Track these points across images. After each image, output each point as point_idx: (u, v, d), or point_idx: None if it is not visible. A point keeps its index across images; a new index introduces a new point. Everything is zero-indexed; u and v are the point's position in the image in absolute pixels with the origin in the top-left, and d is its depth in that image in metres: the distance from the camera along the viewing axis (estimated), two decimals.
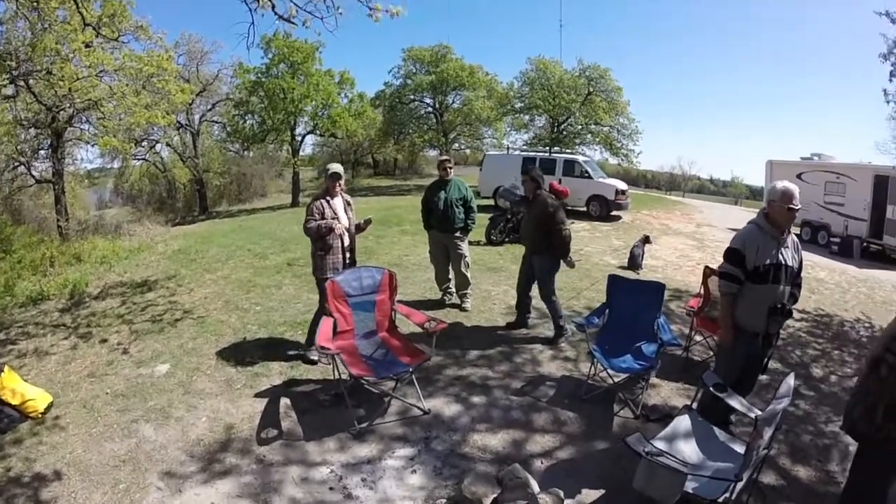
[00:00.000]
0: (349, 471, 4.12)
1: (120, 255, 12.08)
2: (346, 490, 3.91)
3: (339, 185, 5.86)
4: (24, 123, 14.93)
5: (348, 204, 6.03)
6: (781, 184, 4.10)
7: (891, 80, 12.14)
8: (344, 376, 4.86)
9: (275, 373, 5.71)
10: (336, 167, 6.00)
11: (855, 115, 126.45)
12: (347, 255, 5.91)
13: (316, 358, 5.89)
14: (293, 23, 6.35)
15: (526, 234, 6.76)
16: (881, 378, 2.99)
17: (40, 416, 4.98)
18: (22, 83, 9.53)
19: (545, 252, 6.44)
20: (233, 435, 4.62)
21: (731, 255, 4.15)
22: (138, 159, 27.54)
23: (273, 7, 6.26)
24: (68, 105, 12.91)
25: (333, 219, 5.71)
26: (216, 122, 31.60)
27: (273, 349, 6.29)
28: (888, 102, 12.63)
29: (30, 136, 16.89)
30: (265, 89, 25.75)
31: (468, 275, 7.55)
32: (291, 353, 6.13)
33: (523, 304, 6.94)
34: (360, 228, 6.10)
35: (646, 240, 10.85)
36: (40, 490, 4.04)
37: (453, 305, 7.68)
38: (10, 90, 10.88)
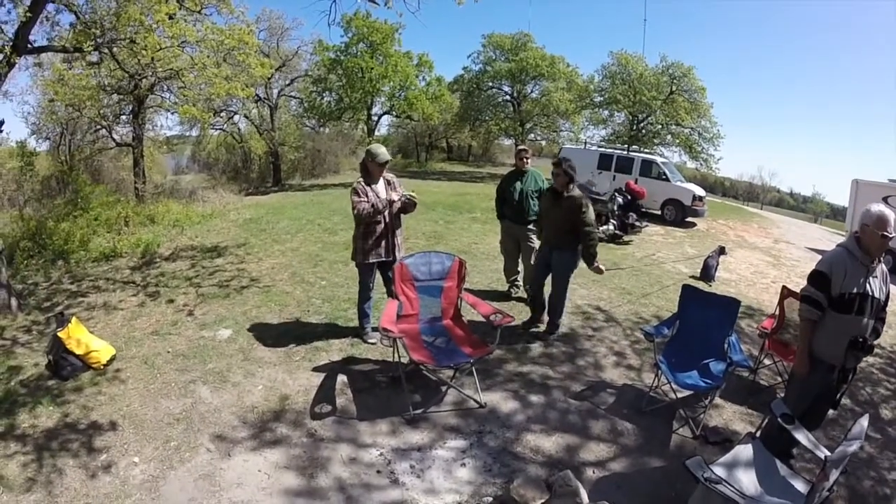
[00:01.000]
0: (398, 456, 4.16)
1: (192, 220, 12.52)
2: (394, 475, 3.95)
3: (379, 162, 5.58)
4: (107, 89, 15.58)
5: (389, 183, 5.78)
6: (877, 207, 3.85)
7: None
8: (404, 360, 4.89)
9: (335, 349, 5.80)
10: (384, 153, 5.65)
11: None
12: (392, 238, 5.78)
13: (374, 341, 5.96)
14: (375, 2, 6.41)
15: (550, 227, 6.31)
16: None
17: (102, 367, 5.25)
18: (106, 51, 9.88)
19: (568, 248, 6.18)
20: (287, 406, 4.74)
21: (817, 278, 3.95)
22: (216, 129, 28.21)
23: None
24: (150, 73, 13.30)
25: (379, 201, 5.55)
26: (294, 98, 32.03)
27: (335, 325, 6.39)
28: None
29: (112, 101, 17.55)
30: (344, 67, 26.06)
31: None
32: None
33: (539, 302, 6.69)
34: (404, 210, 5.80)
35: (721, 251, 10.47)
36: (94, 438, 4.26)
37: (520, 299, 7.57)
38: (94, 57, 11.27)
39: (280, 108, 30.48)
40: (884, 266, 4.04)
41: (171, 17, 8.86)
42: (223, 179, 29.57)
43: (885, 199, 17.57)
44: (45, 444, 4.17)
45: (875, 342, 4.06)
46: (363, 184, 5.57)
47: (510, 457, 4.25)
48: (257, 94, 25.98)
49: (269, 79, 25.27)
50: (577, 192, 6.20)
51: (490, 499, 3.72)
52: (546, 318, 6.62)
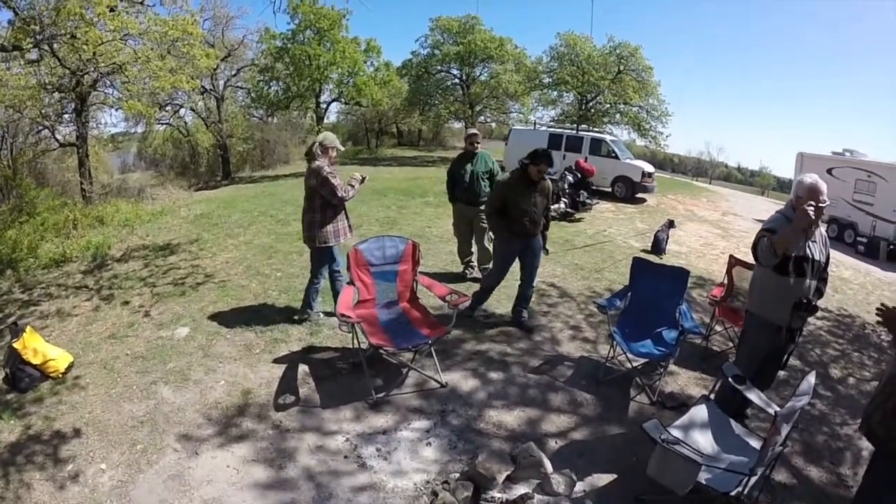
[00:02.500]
0: (364, 440, 4.17)
1: (143, 219, 12.19)
2: (361, 459, 3.96)
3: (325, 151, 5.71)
4: (48, 87, 14.96)
5: None
6: (809, 178, 3.96)
7: None
8: (363, 345, 4.88)
9: (294, 339, 5.76)
10: (334, 139, 5.82)
11: (892, 113, 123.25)
12: (349, 219, 6.08)
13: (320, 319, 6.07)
14: None
15: (529, 216, 5.87)
16: None
17: (61, 375, 5.10)
18: (46, 47, 9.56)
19: (541, 232, 6.15)
20: (250, 400, 4.70)
21: (766, 232, 3.99)
22: (162, 124, 27.59)
23: None
24: (92, 69, 12.87)
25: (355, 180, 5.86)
26: (241, 88, 31.52)
27: (293, 315, 6.33)
28: None
29: (54, 99, 16.84)
30: (291, 55, 25.68)
31: (491, 249, 7.47)
32: (295, 317, 6.19)
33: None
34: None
35: (670, 224, 10.71)
36: (59, 448, 4.15)
37: (474, 279, 7.63)
38: (34, 54, 10.90)
39: (227, 100, 29.96)
40: (822, 230, 4.18)
41: (112, 10, 8.62)
42: (171, 175, 29.01)
43: (829, 171, 18.26)
44: (10, 458, 4.05)
45: (818, 302, 4.19)
46: (332, 170, 5.63)
47: (474, 433, 4.30)
48: (203, 86, 25.50)
49: (214, 70, 24.77)
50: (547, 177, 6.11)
51: (457, 475, 3.75)
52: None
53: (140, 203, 15.19)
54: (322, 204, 5.63)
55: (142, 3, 9.50)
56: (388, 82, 29.39)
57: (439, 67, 37.17)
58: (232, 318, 6.32)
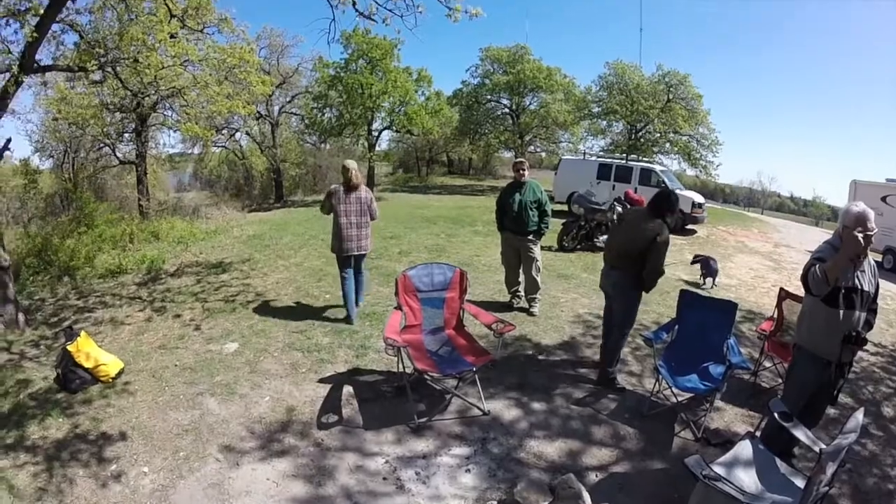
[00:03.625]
0: (404, 463, 4.22)
1: (197, 237, 12.70)
2: (399, 482, 4.01)
3: (351, 176, 6.82)
4: (111, 107, 15.86)
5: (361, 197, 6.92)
6: (856, 208, 3.87)
7: None
8: (408, 370, 4.98)
9: (340, 360, 5.88)
10: (349, 163, 6.96)
11: None
12: (357, 241, 6.87)
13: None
14: (373, 20, 6.60)
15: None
16: None
17: (111, 380, 5.34)
18: (109, 70, 10.01)
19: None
20: (294, 417, 4.81)
21: (816, 260, 3.91)
22: (218, 146, 28.32)
23: (354, 4, 6.51)
24: (153, 92, 13.47)
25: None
26: (295, 114, 32.19)
27: (340, 337, 6.46)
28: None
29: (115, 119, 17.82)
30: (344, 84, 26.10)
31: (538, 279, 7.53)
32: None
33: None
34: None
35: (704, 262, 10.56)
36: (104, 448, 4.34)
37: (521, 309, 7.67)
38: (97, 76, 11.38)
39: (281, 125, 30.64)
40: (871, 260, 4.09)
41: (172, 37, 9.00)
42: (226, 196, 29.66)
43: (883, 199, 17.66)
44: (56, 454, 4.25)
45: (867, 335, 4.09)
46: (337, 188, 6.94)
47: (514, 462, 4.31)
48: (258, 112, 26.12)
49: (269, 96, 25.46)
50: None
51: (494, 503, 3.77)
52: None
53: (195, 221, 15.80)
54: None
55: (201, 31, 9.89)
56: (438, 111, 29.60)
57: (489, 97, 37.45)
58: (280, 337, 6.49)
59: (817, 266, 3.81)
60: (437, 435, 4.61)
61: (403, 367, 5.01)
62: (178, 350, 6.14)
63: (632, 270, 5.55)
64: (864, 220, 3.80)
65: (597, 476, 4.25)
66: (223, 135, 26.73)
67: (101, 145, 19.47)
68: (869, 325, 4.09)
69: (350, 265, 6.94)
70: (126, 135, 19.07)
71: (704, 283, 10.14)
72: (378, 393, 5.26)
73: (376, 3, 6.58)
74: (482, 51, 37.22)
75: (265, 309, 7.45)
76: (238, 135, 28.93)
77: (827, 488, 3.42)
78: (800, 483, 3.64)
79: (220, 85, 11.37)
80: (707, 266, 10.19)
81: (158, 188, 25.18)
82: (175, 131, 20.04)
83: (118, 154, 19.75)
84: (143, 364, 5.77)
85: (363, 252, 7.01)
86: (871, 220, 3.81)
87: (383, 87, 25.83)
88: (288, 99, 30.53)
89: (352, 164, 6.92)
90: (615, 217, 13.22)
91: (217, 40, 11.32)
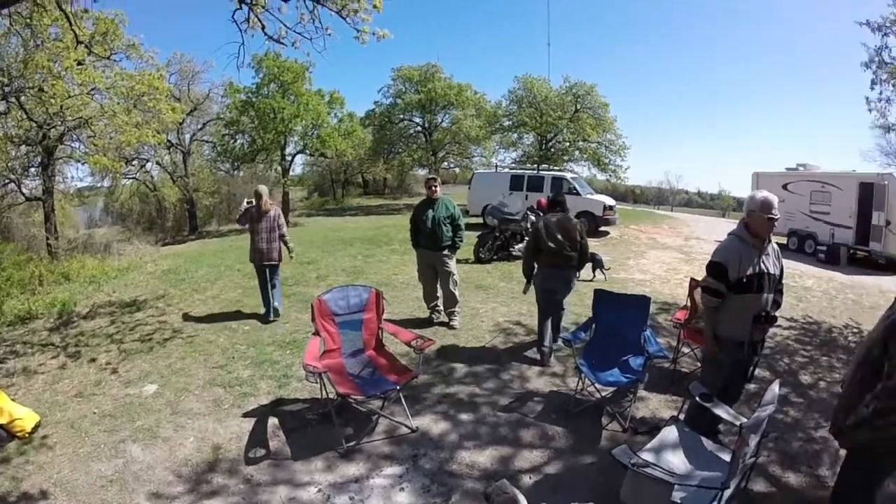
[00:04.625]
0: (337, 490, 4.10)
1: (109, 275, 12.10)
2: None
3: (262, 203, 8.11)
4: (15, 140, 14.90)
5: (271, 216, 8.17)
6: (760, 194, 4.14)
7: (872, 89, 12.53)
8: (331, 395, 4.84)
9: (262, 392, 5.70)
10: (261, 188, 8.50)
11: (840, 124, 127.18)
12: (268, 254, 8.04)
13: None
14: (283, 43, 6.55)
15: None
16: (864, 382, 3.01)
17: (28, 435, 4.95)
18: (13, 100, 9.54)
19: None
20: (220, 455, 4.61)
21: (714, 268, 4.19)
22: (128, 178, 27.43)
23: (263, 28, 6.43)
24: (59, 123, 12.90)
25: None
26: (206, 142, 31.53)
27: (261, 368, 6.28)
28: (870, 111, 12.99)
29: (20, 153, 16.81)
30: (255, 109, 25.71)
31: (456, 293, 7.59)
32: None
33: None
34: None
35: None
36: None
37: (441, 324, 7.70)
38: (1, 107, 10.87)
39: (193, 153, 29.97)
40: (775, 244, 4.31)
41: (79, 64, 8.65)
42: (138, 230, 28.64)
43: (784, 187, 18.86)
44: None
45: (778, 313, 4.33)
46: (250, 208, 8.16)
47: (447, 475, 4.27)
48: (169, 140, 25.54)
49: (180, 124, 24.90)
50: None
51: None
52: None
53: (107, 259, 15.15)
54: None
55: (109, 58, 9.55)
56: (351, 133, 29.53)
57: (402, 116, 37.81)
58: (200, 374, 6.26)
59: (706, 299, 4.29)
60: (367, 457, 4.52)
61: (327, 393, 4.88)
62: (95, 397, 5.80)
63: (575, 262, 6.52)
64: (770, 205, 4.05)
65: (530, 478, 4.26)
66: (133, 166, 25.91)
67: (6, 181, 18.26)
68: (777, 304, 4.33)
69: (265, 274, 8.05)
70: (32, 169, 17.92)
71: (595, 277, 10.81)
72: (304, 421, 5.12)
73: (285, 26, 6.54)
74: (394, 70, 37.76)
75: (183, 346, 7.17)
76: (149, 165, 28.15)
77: (753, 459, 3.58)
78: (726, 458, 3.75)
79: (129, 114, 11.02)
80: (593, 260, 10.65)
81: (68, 225, 24.18)
82: (83, 164, 19.03)
83: (24, 190, 18.54)
84: (60, 415, 5.42)
85: (274, 262, 8.11)
86: (776, 205, 4.07)
87: (295, 111, 25.60)
88: (199, 126, 29.99)
89: (263, 189, 8.32)
90: (529, 226, 13.48)
91: (125, 67, 10.98)
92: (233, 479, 4.28)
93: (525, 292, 6.98)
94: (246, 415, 5.27)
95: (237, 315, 8.41)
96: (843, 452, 4.31)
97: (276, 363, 6.44)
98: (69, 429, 5.13)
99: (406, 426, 4.92)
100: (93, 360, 6.85)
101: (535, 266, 6.63)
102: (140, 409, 5.43)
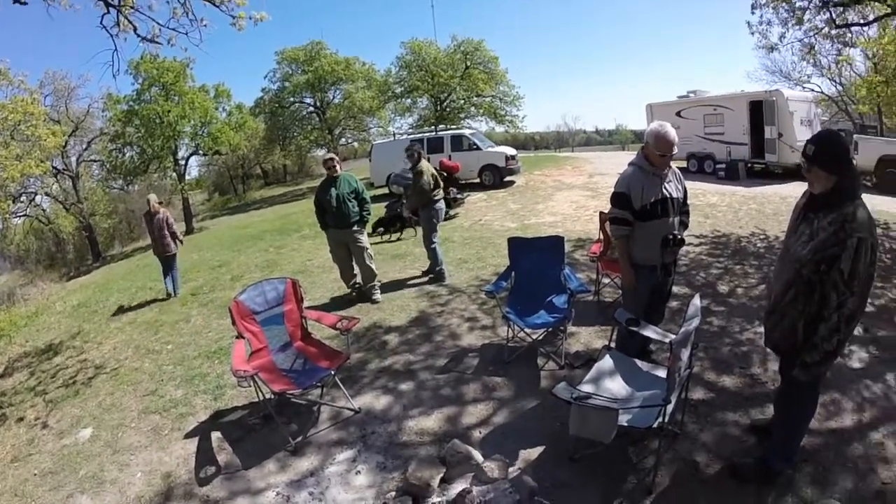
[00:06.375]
0: (295, 488, 4.02)
1: (18, 324, 11.28)
2: None
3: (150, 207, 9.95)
4: None
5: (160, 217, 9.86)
6: (654, 127, 4.22)
7: (752, 13, 13.22)
8: (268, 395, 4.72)
9: (199, 409, 5.48)
10: (151, 196, 10.34)
11: (725, 49, 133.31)
12: (162, 247, 9.87)
13: None
14: (158, 42, 6.23)
15: (413, 196, 8.31)
16: (797, 302, 3.12)
17: None
18: None
19: (425, 208, 8.00)
20: (172, 483, 4.41)
21: (618, 199, 4.29)
22: (19, 216, 25.56)
23: (135, 29, 6.09)
24: None
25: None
26: (94, 161, 29.82)
27: (193, 385, 6.05)
28: (752, 34, 13.74)
29: None
30: (139, 117, 24.48)
31: (373, 267, 7.53)
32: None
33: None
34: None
35: None
36: None
37: (364, 300, 7.62)
38: None
39: (82, 176, 28.37)
40: (675, 169, 4.44)
41: None
42: (40, 270, 27.11)
43: (678, 114, 19.77)
44: None
45: (685, 234, 4.48)
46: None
47: (399, 448, 4.27)
48: (55, 167, 24.04)
49: (63, 147, 23.52)
50: (423, 164, 8.08)
51: (393, 493, 3.70)
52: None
53: (12, 308, 14.21)
54: None
55: None
56: (243, 124, 28.67)
57: (292, 99, 37.11)
58: (133, 406, 5.93)
59: (615, 229, 4.43)
60: (317, 449, 4.44)
61: (263, 395, 4.74)
62: (32, 457, 5.41)
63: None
64: (663, 139, 4.14)
65: (480, 432, 4.31)
66: (22, 202, 24.13)
67: None
68: (684, 225, 4.48)
69: (166, 263, 9.95)
70: None
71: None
72: (247, 428, 4.96)
73: (158, 24, 6.18)
74: (278, 54, 36.98)
75: (109, 380, 6.78)
76: (38, 198, 26.13)
77: (688, 371, 3.73)
78: (662, 374, 3.91)
79: (7, 147, 10.25)
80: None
81: None
82: None
83: None
84: (1, 485, 5.06)
85: (168, 253, 9.91)
86: (669, 137, 4.14)
87: (181, 112, 24.62)
88: (84, 146, 28.42)
89: (150, 197, 10.22)
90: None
91: None
92: (190, 503, 4.14)
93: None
94: (188, 435, 5.05)
95: (158, 335, 8.04)
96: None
97: (207, 376, 6.20)
98: (14, 497, 4.78)
99: (349, 409, 4.87)
100: (20, 419, 6.39)
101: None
102: (80, 458, 5.12)
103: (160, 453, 4.85)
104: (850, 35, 13.59)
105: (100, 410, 5.99)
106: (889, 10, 11.08)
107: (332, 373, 4.81)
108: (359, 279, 7.72)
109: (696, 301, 3.69)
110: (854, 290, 2.88)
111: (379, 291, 7.62)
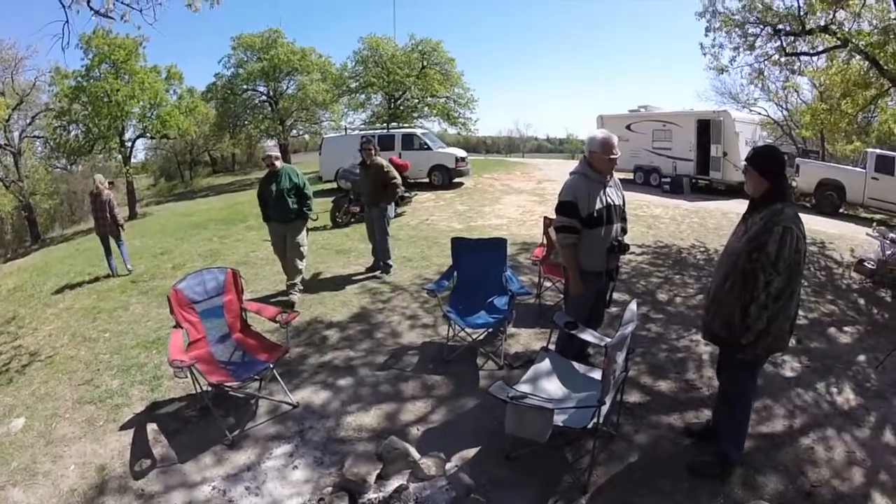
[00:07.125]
0: (231, 483, 3.97)
1: None
2: (233, 502, 3.79)
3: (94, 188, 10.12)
4: None
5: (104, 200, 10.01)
6: (601, 134, 4.34)
7: (706, 35, 13.65)
8: (205, 387, 4.63)
9: (135, 400, 5.33)
10: (97, 176, 10.70)
11: (677, 69, 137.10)
12: (103, 227, 10.06)
13: None
14: (111, 17, 5.97)
15: (365, 190, 8.37)
16: (734, 291, 3.32)
17: None
18: None
19: (379, 204, 8.02)
20: (106, 476, 4.28)
21: (565, 207, 4.34)
22: None
23: (88, 2, 5.82)
24: None
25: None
26: (38, 138, 28.56)
27: (130, 375, 5.89)
28: (705, 55, 14.13)
29: None
30: (87, 94, 23.55)
31: (300, 266, 7.36)
32: None
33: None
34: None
35: None
36: None
37: (305, 292, 7.56)
38: None
39: (25, 153, 27.01)
40: (616, 178, 4.57)
41: None
42: None
43: (628, 127, 20.30)
44: None
45: (626, 239, 4.60)
46: None
47: (336, 443, 4.26)
48: None
49: (6, 121, 22.59)
50: (378, 159, 8.13)
51: (329, 489, 3.69)
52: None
53: None
54: None
55: None
56: (193, 109, 27.96)
57: (245, 86, 36.46)
58: (67, 395, 5.72)
59: (562, 237, 4.44)
60: (255, 442, 4.40)
61: (200, 387, 4.64)
62: None
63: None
64: (610, 145, 4.29)
65: (418, 430, 4.35)
66: None
67: None
68: (624, 231, 4.59)
69: (107, 241, 10.15)
70: None
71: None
72: (183, 420, 4.86)
73: None
74: (234, 39, 36.20)
75: (44, 369, 6.51)
76: None
77: (623, 374, 3.85)
78: (598, 377, 4.00)
79: None
80: None
81: None
82: None
83: None
84: None
85: (110, 233, 10.10)
86: (615, 144, 4.31)
87: (130, 92, 23.87)
88: (28, 121, 27.16)
89: (97, 177, 10.58)
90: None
91: None
92: (125, 497, 4.01)
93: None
94: (123, 427, 4.90)
95: (96, 323, 7.79)
96: (707, 357, 4.82)
97: (144, 366, 6.03)
98: None
99: (287, 403, 4.83)
100: None
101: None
102: (12, 449, 4.92)
103: (95, 445, 4.71)
104: (798, 63, 14.25)
105: (33, 399, 5.76)
106: (838, 43, 11.58)
107: (271, 366, 4.76)
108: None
109: (633, 306, 3.82)
110: (780, 271, 3.14)
111: (297, 293, 7.38)
